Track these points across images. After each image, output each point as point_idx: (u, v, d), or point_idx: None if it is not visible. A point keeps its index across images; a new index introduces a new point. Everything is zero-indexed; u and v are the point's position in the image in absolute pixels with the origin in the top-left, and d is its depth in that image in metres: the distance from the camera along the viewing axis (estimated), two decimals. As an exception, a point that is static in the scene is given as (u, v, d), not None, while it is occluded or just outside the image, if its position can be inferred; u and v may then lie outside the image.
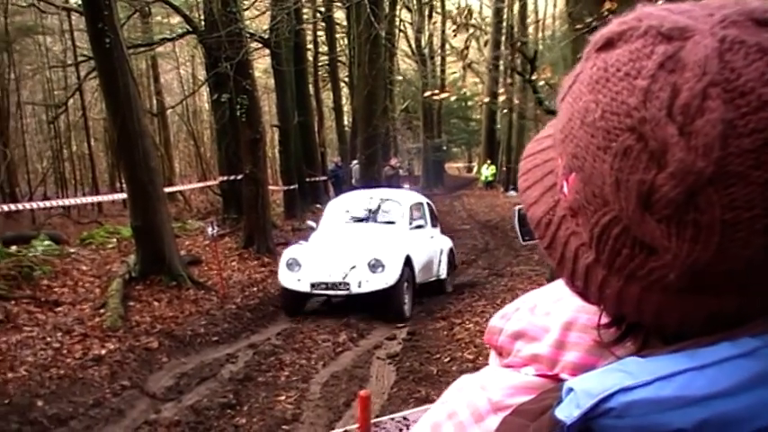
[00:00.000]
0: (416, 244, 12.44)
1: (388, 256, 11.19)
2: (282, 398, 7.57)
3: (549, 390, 0.72)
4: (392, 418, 2.08)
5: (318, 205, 22.85)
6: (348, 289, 11.15)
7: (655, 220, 0.57)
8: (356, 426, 2.15)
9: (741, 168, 0.54)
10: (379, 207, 13.14)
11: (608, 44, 0.64)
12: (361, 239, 11.84)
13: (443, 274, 13.56)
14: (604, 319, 0.73)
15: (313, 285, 11.21)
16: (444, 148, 49.40)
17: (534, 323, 0.88)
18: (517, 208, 1.15)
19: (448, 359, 8.69)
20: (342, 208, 13.50)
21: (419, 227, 13.03)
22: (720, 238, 0.56)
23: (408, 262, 11.51)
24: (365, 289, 11.06)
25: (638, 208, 0.58)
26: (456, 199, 35.05)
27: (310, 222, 13.94)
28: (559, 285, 0.90)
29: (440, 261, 13.52)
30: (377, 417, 2.37)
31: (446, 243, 14.10)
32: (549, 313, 0.88)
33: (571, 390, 0.61)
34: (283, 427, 6.83)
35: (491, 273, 14.72)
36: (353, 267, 11.18)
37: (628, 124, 0.58)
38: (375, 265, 11.10)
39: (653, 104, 0.56)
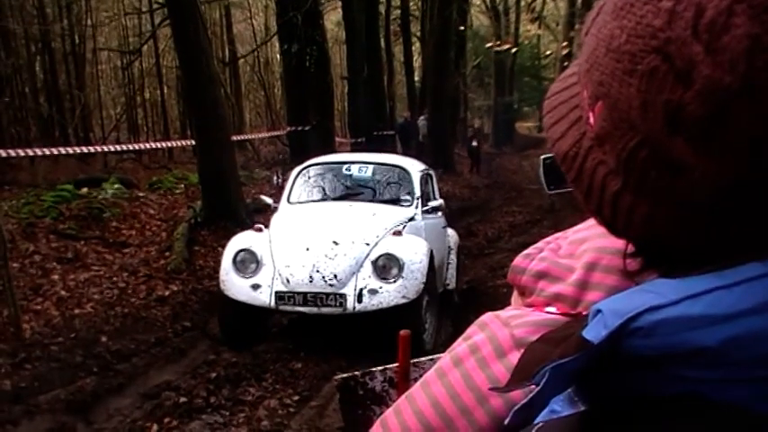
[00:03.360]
0: (433, 236, 8.64)
1: (406, 252, 7.39)
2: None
3: (573, 321, 0.73)
4: (431, 359, 2.07)
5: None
6: (342, 305, 7.17)
7: (683, 140, 0.56)
8: (396, 365, 2.17)
9: (767, 82, 0.53)
10: (376, 177, 9.12)
11: None
12: (357, 225, 7.79)
13: (452, 282, 9.65)
14: (630, 249, 0.72)
15: (281, 297, 7.23)
16: (515, 106, 48.94)
17: (558, 263, 0.91)
18: (543, 158, 1.13)
19: (506, 316, 8.65)
20: (315, 176, 9.22)
21: (433, 210, 8.96)
22: (749, 152, 0.55)
23: (431, 263, 7.69)
24: (371, 305, 7.18)
25: (665, 128, 0.57)
26: (525, 158, 34.74)
27: (265, 197, 9.36)
28: (582, 228, 0.95)
29: (448, 263, 9.67)
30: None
31: (454, 237, 10.22)
32: (572, 254, 0.91)
33: (598, 311, 0.60)
34: (338, 372, 6.90)
35: (555, 233, 14.58)
36: (360, 267, 7.32)
37: (653, 46, 0.57)
38: (387, 267, 7.30)
39: (678, 24, 0.56)
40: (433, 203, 8.96)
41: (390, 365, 2.18)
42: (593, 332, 0.59)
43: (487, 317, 0.90)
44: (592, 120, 0.66)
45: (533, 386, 0.63)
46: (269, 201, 8.99)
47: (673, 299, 0.58)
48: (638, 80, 0.58)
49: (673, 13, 0.56)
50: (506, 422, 0.66)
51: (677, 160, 0.58)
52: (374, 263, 7.32)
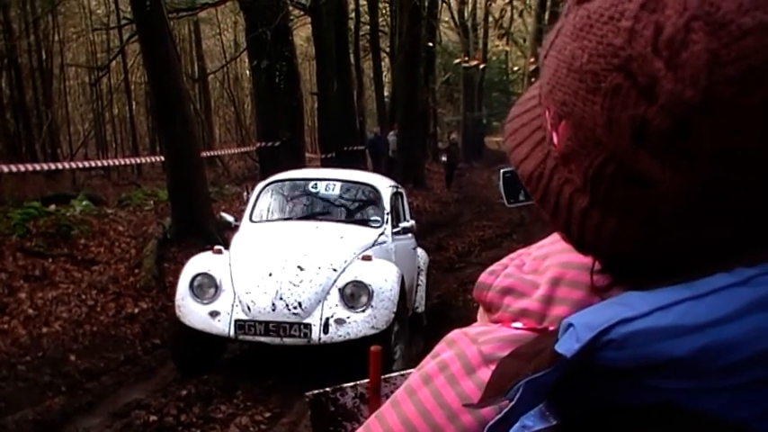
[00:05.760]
0: (403, 259, 8.30)
1: (376, 278, 6.96)
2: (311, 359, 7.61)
3: (543, 336, 0.73)
4: (402, 375, 2.08)
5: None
6: (307, 336, 6.74)
7: (648, 154, 0.58)
8: (367, 381, 2.17)
9: (727, 95, 0.55)
10: (344, 196, 8.73)
11: None
12: (323, 249, 7.33)
13: (421, 305, 9.23)
14: (597, 266, 0.73)
15: (240, 326, 6.78)
16: (485, 121, 49.20)
17: (523, 279, 0.90)
18: (502, 171, 1.15)
19: (477, 330, 8.65)
20: (280, 193, 8.76)
21: (404, 231, 8.53)
22: (712, 165, 0.57)
23: (402, 289, 7.26)
24: (337, 336, 6.75)
25: (631, 144, 0.58)
26: (494, 173, 34.65)
27: (226, 215, 8.92)
28: (546, 244, 0.94)
29: (418, 285, 9.20)
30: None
31: (423, 257, 9.86)
32: (536, 270, 0.91)
33: (570, 325, 0.61)
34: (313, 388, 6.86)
35: (524, 247, 14.61)
36: (324, 295, 6.88)
37: (615, 64, 0.58)
38: (355, 295, 6.88)
39: (638, 42, 0.57)
40: (404, 224, 8.53)
41: (361, 381, 2.18)
42: (566, 346, 0.60)
43: (455, 334, 0.90)
44: (556, 139, 0.67)
45: (506, 402, 0.64)
46: (230, 218, 8.56)
47: (643, 311, 0.58)
48: (601, 98, 0.59)
49: (632, 31, 0.57)
50: None
51: (644, 174, 0.59)
52: (342, 290, 6.88)
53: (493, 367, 0.75)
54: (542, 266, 0.90)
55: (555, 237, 0.91)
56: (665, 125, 0.56)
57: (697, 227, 0.60)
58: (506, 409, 0.63)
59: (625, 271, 0.69)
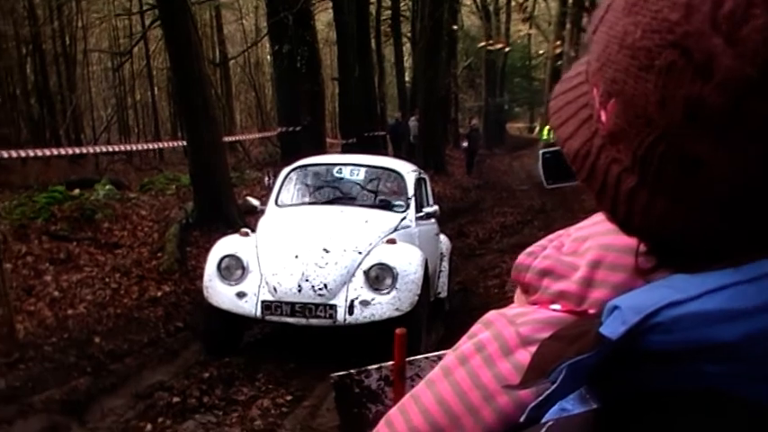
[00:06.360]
0: (427, 244, 8.32)
1: (400, 261, 7.06)
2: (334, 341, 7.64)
3: (584, 319, 0.73)
4: (427, 357, 2.10)
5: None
6: (332, 317, 6.85)
7: (702, 134, 0.56)
8: (391, 363, 2.20)
9: None
10: (369, 181, 8.82)
11: None
12: (348, 232, 7.44)
13: (443, 290, 9.18)
14: (643, 248, 0.72)
15: (267, 307, 6.89)
16: (506, 107, 48.99)
17: (562, 261, 0.90)
18: (541, 152, 1.15)
19: (498, 316, 8.63)
20: (305, 178, 8.89)
21: (427, 216, 8.69)
22: None
23: (426, 272, 7.34)
24: (362, 317, 6.85)
25: (684, 123, 0.57)
26: (516, 159, 34.72)
27: (252, 199, 9.16)
28: (585, 226, 0.93)
29: (440, 271, 9.21)
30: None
31: (446, 243, 9.84)
32: (575, 252, 0.90)
33: (615, 308, 0.61)
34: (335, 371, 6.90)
35: (546, 234, 14.55)
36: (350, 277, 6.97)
37: (670, 40, 0.57)
38: (380, 277, 6.97)
39: (695, 18, 0.55)
40: (427, 209, 8.63)
41: (386, 363, 2.20)
42: (611, 328, 0.59)
43: (492, 315, 0.90)
44: (604, 117, 0.65)
45: (544, 384, 0.63)
46: (256, 202, 8.70)
47: (692, 294, 0.58)
48: (655, 76, 0.57)
49: (689, 6, 0.56)
50: (522, 419, 0.67)
51: (696, 155, 0.57)
52: (366, 273, 6.96)
53: (531, 349, 0.74)
54: (582, 248, 0.89)
55: (595, 218, 0.90)
56: (721, 104, 0.54)
57: (749, 211, 0.59)
58: (548, 391, 0.62)
59: (672, 253, 0.67)
